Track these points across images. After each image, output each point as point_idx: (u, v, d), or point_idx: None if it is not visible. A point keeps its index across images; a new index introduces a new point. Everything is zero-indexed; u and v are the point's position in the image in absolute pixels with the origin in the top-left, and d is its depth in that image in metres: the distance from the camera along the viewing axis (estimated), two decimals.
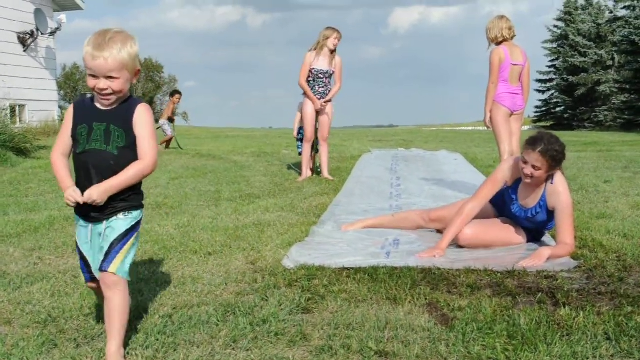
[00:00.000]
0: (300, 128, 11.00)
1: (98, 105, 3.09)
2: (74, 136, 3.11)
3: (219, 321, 3.47)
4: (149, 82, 66.91)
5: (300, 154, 11.19)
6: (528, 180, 4.90)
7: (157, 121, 16.25)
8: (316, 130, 9.80)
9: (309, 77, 9.47)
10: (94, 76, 3.00)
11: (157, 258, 4.90)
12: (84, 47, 2.98)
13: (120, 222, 3.12)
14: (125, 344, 3.14)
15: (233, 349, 3.13)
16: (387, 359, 3.00)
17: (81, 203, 3.00)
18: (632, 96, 38.61)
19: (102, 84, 2.99)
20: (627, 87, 40.30)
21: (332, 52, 9.45)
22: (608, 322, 3.33)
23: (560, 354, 2.97)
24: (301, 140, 11.04)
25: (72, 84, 57.99)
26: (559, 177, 4.92)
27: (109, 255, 3.05)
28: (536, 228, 5.26)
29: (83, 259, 3.20)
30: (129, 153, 3.08)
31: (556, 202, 4.87)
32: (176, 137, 16.18)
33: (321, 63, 9.45)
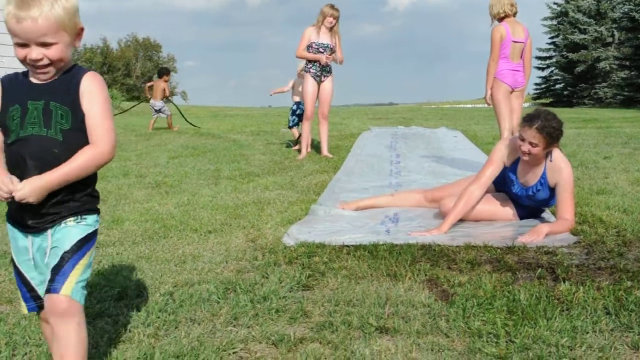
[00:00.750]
0: (299, 103, 11.01)
1: (33, 79, 2.38)
2: (3, 122, 2.37)
3: (219, 299, 3.48)
4: (147, 62, 66.78)
5: (290, 127, 11.26)
6: (526, 158, 4.89)
7: (147, 101, 16.14)
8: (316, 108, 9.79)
9: (310, 51, 9.44)
10: (22, 44, 2.28)
11: (157, 236, 4.90)
12: (4, 6, 2.26)
13: (72, 230, 2.38)
14: (127, 323, 3.15)
15: (234, 326, 3.13)
16: (388, 335, 3.01)
17: (17, 199, 2.25)
18: (632, 73, 38.53)
19: (35, 53, 2.27)
20: (627, 63, 40.20)
21: (331, 29, 9.43)
22: (607, 297, 3.34)
23: (560, 329, 2.98)
24: (296, 115, 11.07)
25: None
26: (557, 153, 4.93)
27: (59, 272, 2.32)
28: (537, 206, 5.27)
29: (24, 282, 2.47)
30: (80, 137, 2.35)
31: (558, 178, 4.88)
32: (185, 115, 16.04)
33: (322, 37, 9.42)
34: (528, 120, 4.85)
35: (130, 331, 3.08)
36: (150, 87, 15.66)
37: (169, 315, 3.26)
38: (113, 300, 3.50)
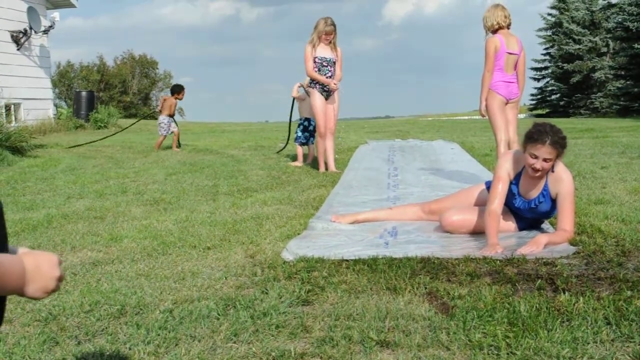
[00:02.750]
0: (306, 119, 10.95)
1: None
2: None
3: (219, 315, 3.47)
4: (144, 78, 66.81)
5: (302, 144, 11.00)
6: (537, 174, 4.88)
7: (154, 118, 15.88)
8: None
9: (314, 66, 9.45)
10: None
11: (156, 253, 4.90)
12: None
13: None
14: (126, 341, 3.14)
15: (234, 342, 3.13)
16: (389, 349, 3.00)
17: None
18: (628, 82, 38.57)
19: None
20: (622, 73, 40.25)
21: (333, 42, 9.45)
22: (608, 307, 3.34)
23: (561, 340, 2.97)
24: (308, 131, 10.94)
25: (66, 82, 57.86)
26: (559, 164, 4.93)
27: None
28: (539, 218, 5.27)
29: None
30: None
31: (559, 188, 4.88)
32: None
33: (323, 52, 9.43)
34: (537, 138, 4.80)
35: (130, 349, 3.07)
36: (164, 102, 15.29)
37: (169, 332, 3.25)
38: (112, 318, 3.49)
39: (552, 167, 4.89)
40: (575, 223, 4.98)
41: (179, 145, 14.46)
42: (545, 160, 4.79)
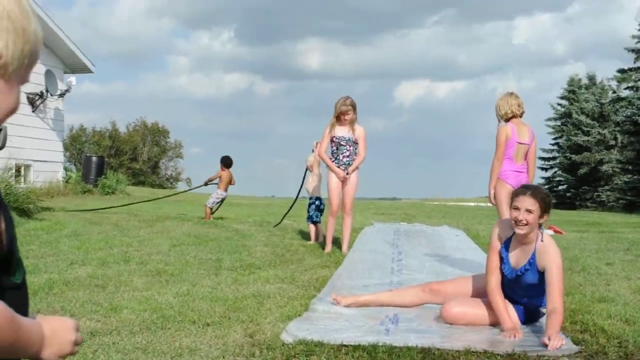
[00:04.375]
0: (317, 199, 10.97)
1: None
2: None
3: None
4: (154, 146, 67.40)
5: (314, 222, 10.96)
6: (521, 231, 4.96)
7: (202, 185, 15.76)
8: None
9: (332, 145, 9.51)
10: None
11: (155, 326, 4.86)
12: None
13: None
14: None
15: None
16: None
17: None
18: (635, 177, 38.74)
19: None
20: (630, 167, 40.48)
21: (352, 121, 9.44)
22: None
23: None
24: (319, 210, 10.93)
25: (77, 146, 58.47)
26: (547, 237, 5.06)
27: None
28: (528, 298, 5.23)
29: None
30: None
31: (546, 262, 4.92)
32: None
33: (341, 131, 9.43)
34: (520, 191, 5.06)
35: None
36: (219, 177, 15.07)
37: None
38: None
39: (541, 236, 5.00)
40: (578, 320, 4.96)
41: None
42: (528, 211, 4.90)
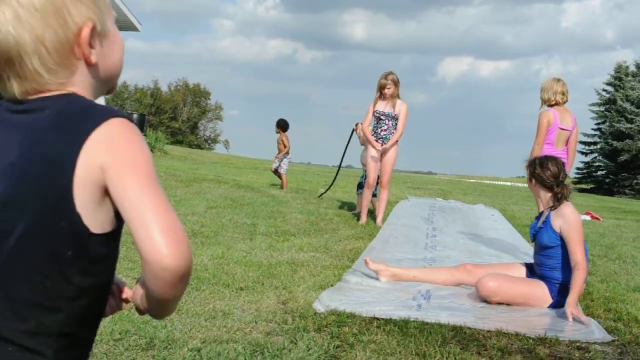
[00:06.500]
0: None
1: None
2: None
3: None
4: (194, 107, 67.72)
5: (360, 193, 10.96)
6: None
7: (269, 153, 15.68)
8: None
9: (373, 119, 9.54)
10: None
11: (190, 288, 4.90)
12: None
13: None
14: None
15: None
16: None
17: None
18: None
19: None
20: None
21: (392, 96, 9.45)
22: None
23: None
24: (360, 185, 10.94)
25: (119, 102, 58.94)
26: (566, 204, 5.33)
27: None
28: (550, 269, 5.29)
29: None
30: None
31: (562, 223, 5.20)
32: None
33: (382, 106, 9.44)
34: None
35: None
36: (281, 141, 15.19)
37: None
38: (141, 350, 3.51)
39: (556, 204, 5.33)
40: (610, 309, 4.93)
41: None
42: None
